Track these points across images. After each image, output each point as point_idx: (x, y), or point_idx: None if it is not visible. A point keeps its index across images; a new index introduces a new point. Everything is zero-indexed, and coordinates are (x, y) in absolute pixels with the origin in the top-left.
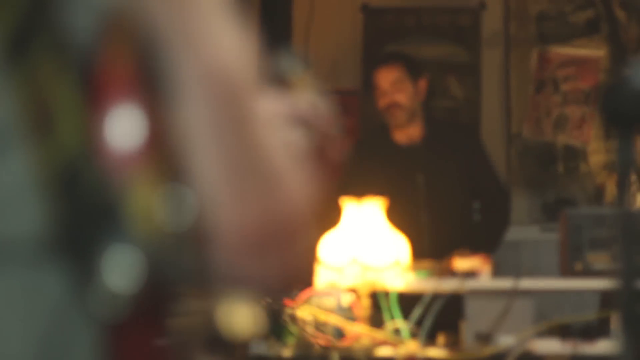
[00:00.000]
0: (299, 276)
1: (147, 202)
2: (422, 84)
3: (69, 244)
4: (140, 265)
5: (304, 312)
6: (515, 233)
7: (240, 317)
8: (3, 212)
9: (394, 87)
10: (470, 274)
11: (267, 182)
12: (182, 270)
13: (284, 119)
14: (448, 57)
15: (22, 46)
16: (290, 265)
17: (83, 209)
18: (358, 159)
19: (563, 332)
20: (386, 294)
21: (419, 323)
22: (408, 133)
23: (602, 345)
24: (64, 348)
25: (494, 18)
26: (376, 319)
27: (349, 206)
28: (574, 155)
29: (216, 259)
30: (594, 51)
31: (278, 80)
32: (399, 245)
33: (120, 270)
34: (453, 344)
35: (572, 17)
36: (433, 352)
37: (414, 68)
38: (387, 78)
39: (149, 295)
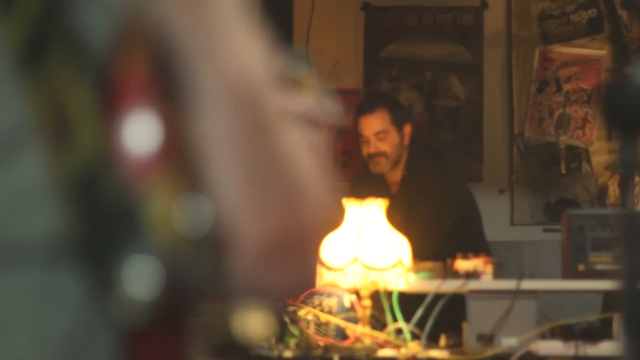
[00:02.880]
0: (310, 281)
1: (165, 209)
2: (407, 129)
3: (87, 249)
4: (158, 271)
5: (305, 312)
6: (517, 234)
7: (254, 322)
8: (16, 213)
9: (378, 136)
10: (472, 275)
11: (289, 190)
12: (199, 277)
13: (295, 120)
14: (450, 57)
15: (39, 50)
16: (305, 272)
17: (101, 214)
18: (355, 190)
19: (565, 333)
20: (388, 295)
21: (421, 324)
22: (389, 177)
23: (605, 347)
24: (81, 352)
25: (496, 17)
26: (378, 320)
27: (351, 207)
28: (577, 155)
29: (235, 266)
30: (596, 51)
31: (283, 80)
32: (401, 246)
33: (139, 277)
34: (455, 345)
35: (574, 17)
36: (435, 353)
37: (399, 113)
38: (372, 127)
39: (168, 302)
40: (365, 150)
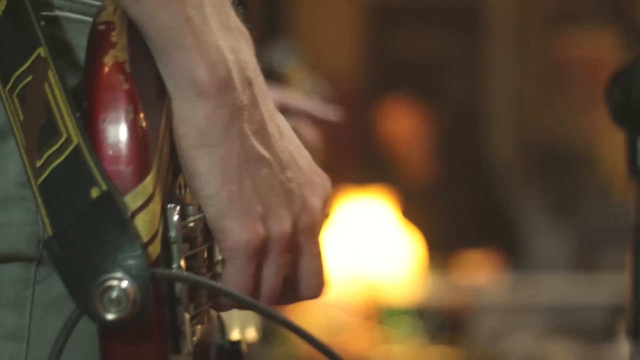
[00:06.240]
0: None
1: (151, 210)
2: (442, 118)
3: (73, 250)
4: (145, 276)
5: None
6: (523, 227)
7: (243, 325)
8: (4, 207)
9: (409, 140)
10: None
11: (285, 186)
12: (185, 281)
13: (285, 116)
14: (451, 48)
15: (21, 47)
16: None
17: (86, 214)
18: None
19: (573, 332)
20: (390, 298)
21: (424, 322)
22: (417, 168)
23: (613, 348)
24: (64, 350)
25: (500, 9)
26: (378, 317)
27: (349, 200)
28: (583, 148)
29: (226, 270)
30: (605, 42)
31: (272, 72)
32: (406, 244)
33: (127, 279)
34: (459, 344)
35: (581, 5)
36: (438, 352)
37: (433, 106)
38: (401, 131)
39: (156, 306)
40: (393, 150)
